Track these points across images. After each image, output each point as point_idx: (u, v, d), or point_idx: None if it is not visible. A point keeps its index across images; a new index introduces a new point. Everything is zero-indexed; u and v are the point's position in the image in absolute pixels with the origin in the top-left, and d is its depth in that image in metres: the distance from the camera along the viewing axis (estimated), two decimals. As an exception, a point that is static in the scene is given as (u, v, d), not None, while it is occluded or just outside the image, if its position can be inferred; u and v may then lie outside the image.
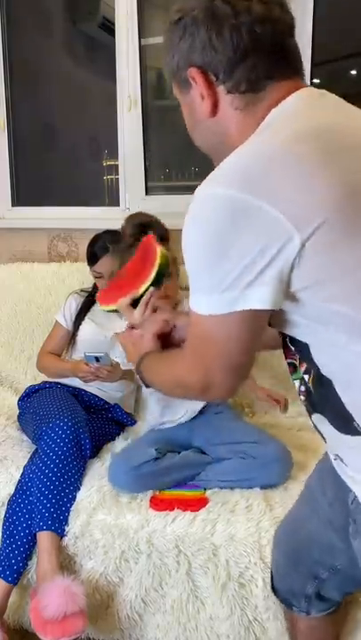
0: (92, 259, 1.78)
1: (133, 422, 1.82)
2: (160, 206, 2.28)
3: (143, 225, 1.51)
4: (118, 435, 1.73)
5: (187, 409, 1.59)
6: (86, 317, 1.87)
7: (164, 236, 1.56)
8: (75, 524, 1.38)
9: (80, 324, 1.87)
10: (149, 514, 1.34)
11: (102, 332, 1.83)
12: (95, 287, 1.90)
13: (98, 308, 1.89)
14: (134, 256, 1.15)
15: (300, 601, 1.02)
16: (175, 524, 1.30)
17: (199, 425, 1.56)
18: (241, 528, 1.26)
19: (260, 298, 0.68)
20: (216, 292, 0.69)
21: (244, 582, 1.22)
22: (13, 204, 2.58)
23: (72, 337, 1.87)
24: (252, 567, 1.21)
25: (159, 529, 1.30)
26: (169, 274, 1.19)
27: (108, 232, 1.82)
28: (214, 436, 1.48)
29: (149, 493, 1.41)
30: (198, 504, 1.35)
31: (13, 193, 2.57)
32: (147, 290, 1.05)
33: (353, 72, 2.20)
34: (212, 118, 0.80)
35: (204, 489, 1.43)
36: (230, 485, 1.41)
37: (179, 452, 1.51)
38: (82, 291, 1.95)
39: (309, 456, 1.54)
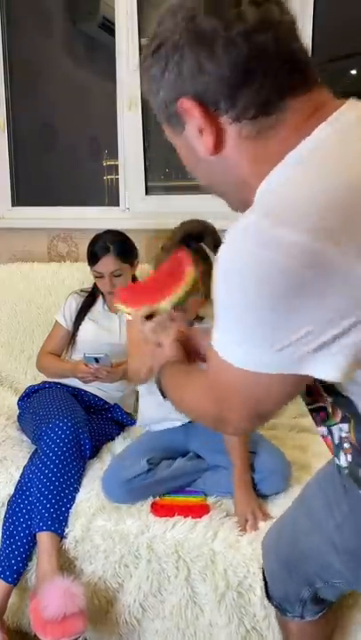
0: (93, 259, 1.78)
1: (133, 422, 1.82)
2: (160, 206, 2.28)
3: (191, 235, 1.37)
4: (118, 434, 1.72)
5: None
6: (86, 317, 1.87)
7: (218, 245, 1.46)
8: (75, 528, 1.37)
9: (80, 324, 1.86)
10: (150, 519, 1.33)
11: (103, 332, 1.83)
12: (95, 287, 1.90)
13: (98, 309, 1.89)
14: (165, 263, 1.09)
15: (294, 606, 1.00)
16: (175, 529, 1.28)
17: (195, 428, 1.53)
18: (240, 536, 1.25)
19: (328, 369, 0.55)
20: (266, 349, 0.56)
21: (242, 591, 1.21)
22: (13, 204, 2.57)
23: (72, 337, 1.87)
24: (251, 577, 1.20)
25: (159, 534, 1.29)
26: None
27: (108, 232, 1.82)
28: (211, 442, 1.45)
29: (149, 499, 1.40)
30: (200, 511, 1.33)
31: (13, 193, 2.57)
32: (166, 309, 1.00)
33: (353, 72, 2.19)
34: (216, 155, 0.65)
35: (205, 494, 1.42)
36: (228, 495, 1.39)
37: (174, 459, 1.49)
38: (82, 291, 1.95)
39: (309, 457, 1.54)
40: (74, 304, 1.90)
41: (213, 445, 1.44)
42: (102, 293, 1.87)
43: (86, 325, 1.86)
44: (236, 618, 1.22)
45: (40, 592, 1.29)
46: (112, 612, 1.35)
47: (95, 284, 1.89)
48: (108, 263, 1.75)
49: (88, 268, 1.83)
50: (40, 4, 2.54)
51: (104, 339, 1.81)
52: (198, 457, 1.52)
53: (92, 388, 1.77)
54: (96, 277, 1.82)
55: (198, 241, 1.39)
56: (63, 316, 1.90)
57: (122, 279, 1.78)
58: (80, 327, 1.86)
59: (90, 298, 1.91)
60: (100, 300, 1.90)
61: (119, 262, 1.75)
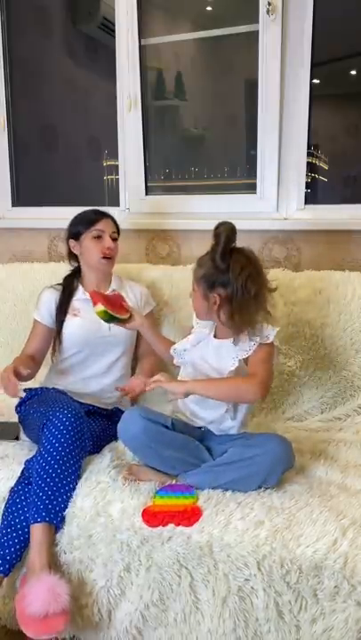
0: (93, 219, 1.80)
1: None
2: (160, 206, 2.28)
3: (231, 239, 1.45)
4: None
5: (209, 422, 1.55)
6: (68, 314, 1.80)
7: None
8: (73, 533, 1.36)
9: (63, 320, 1.79)
10: (146, 528, 1.30)
11: (90, 325, 1.76)
12: (69, 280, 1.85)
13: (78, 300, 1.81)
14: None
15: None
16: (173, 540, 1.27)
17: (213, 438, 1.54)
18: (238, 540, 1.23)
19: None
20: None
21: (243, 595, 1.21)
22: (13, 204, 2.58)
23: (57, 335, 1.80)
24: (253, 579, 1.20)
25: (158, 544, 1.27)
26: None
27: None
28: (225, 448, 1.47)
29: (142, 506, 1.34)
30: (192, 517, 1.29)
31: (13, 193, 2.58)
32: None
33: (353, 72, 2.20)
34: None
35: (195, 493, 1.37)
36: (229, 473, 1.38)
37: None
38: (57, 285, 1.87)
39: (307, 459, 1.54)
40: (51, 298, 1.82)
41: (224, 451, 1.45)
42: (80, 283, 1.83)
43: (71, 322, 1.78)
44: (242, 622, 1.22)
45: (26, 586, 1.29)
46: (112, 621, 1.34)
47: (67, 279, 1.85)
48: (109, 224, 1.81)
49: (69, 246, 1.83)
50: (40, 4, 2.54)
51: (93, 333, 1.76)
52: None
53: (86, 399, 1.75)
54: (94, 238, 1.78)
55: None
56: (40, 314, 1.83)
57: (116, 246, 1.81)
58: (64, 324, 1.78)
59: (66, 293, 1.83)
60: (78, 290, 1.83)
61: (115, 227, 1.83)
